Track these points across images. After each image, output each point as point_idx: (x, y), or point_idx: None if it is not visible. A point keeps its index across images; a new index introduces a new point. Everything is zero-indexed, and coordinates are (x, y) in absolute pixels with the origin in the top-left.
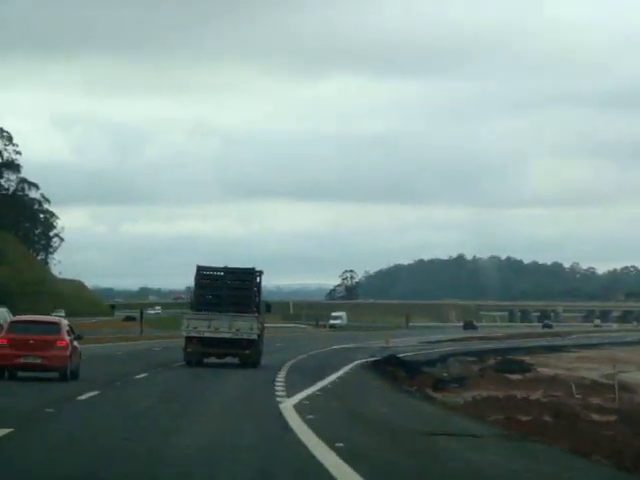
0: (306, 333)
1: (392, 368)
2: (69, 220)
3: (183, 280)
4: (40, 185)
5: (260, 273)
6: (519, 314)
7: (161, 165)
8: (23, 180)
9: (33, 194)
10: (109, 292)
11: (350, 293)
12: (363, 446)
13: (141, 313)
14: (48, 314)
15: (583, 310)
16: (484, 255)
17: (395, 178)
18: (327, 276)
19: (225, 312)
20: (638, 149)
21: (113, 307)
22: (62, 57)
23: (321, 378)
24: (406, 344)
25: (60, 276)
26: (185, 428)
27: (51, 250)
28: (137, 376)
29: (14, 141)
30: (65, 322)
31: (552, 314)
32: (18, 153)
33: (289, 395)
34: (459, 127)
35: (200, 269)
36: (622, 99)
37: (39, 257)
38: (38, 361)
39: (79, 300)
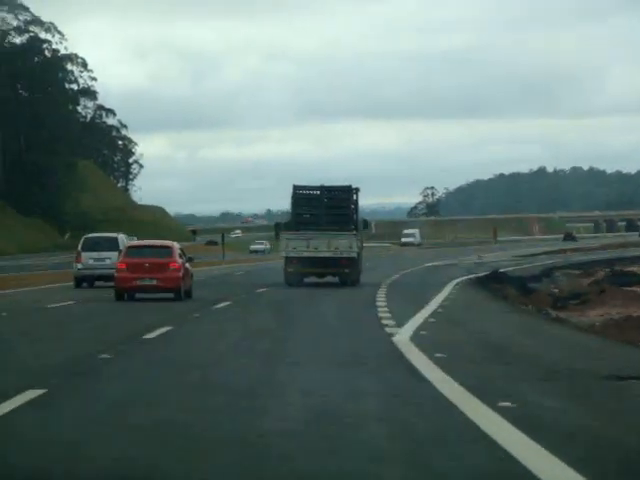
0: (392, 252)
1: (499, 285)
2: (149, 147)
3: (263, 203)
4: (118, 113)
5: (357, 190)
6: (604, 224)
7: (237, 89)
8: (100, 107)
9: (110, 121)
10: (191, 218)
11: (431, 210)
12: (538, 405)
13: (222, 237)
14: None
15: None
16: (566, 167)
17: (472, 92)
18: (405, 195)
19: (323, 231)
20: None
21: (194, 232)
22: None
23: (426, 300)
24: (500, 259)
25: (141, 202)
26: (278, 384)
27: (131, 177)
28: (217, 306)
29: (89, 67)
30: (177, 245)
31: (639, 223)
32: (94, 79)
33: (398, 323)
34: (536, 38)
35: (296, 188)
36: None
37: (119, 184)
38: (153, 283)
39: (161, 226)
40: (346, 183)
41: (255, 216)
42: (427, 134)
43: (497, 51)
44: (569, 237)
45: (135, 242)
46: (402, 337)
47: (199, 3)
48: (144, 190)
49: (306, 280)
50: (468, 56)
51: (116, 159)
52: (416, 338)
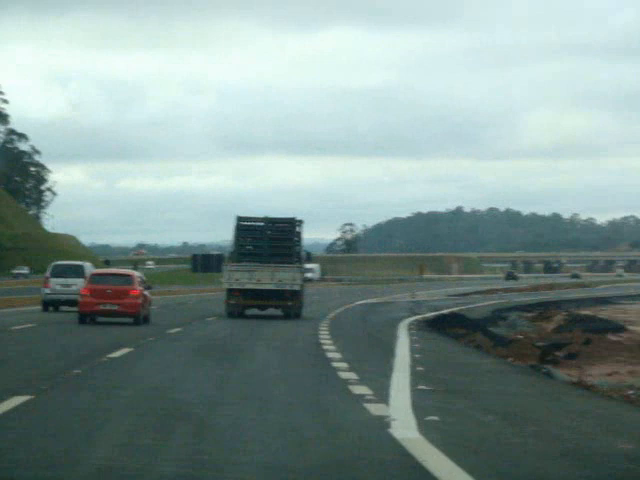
0: (316, 288)
1: (461, 330)
2: (66, 176)
3: (180, 236)
4: (34, 140)
5: (300, 222)
6: (522, 265)
7: (158, 121)
8: (11, 131)
9: (23, 146)
10: (105, 249)
11: (350, 246)
12: None
13: (135, 269)
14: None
15: (587, 260)
16: (482, 207)
17: (392, 131)
18: (323, 231)
19: (267, 263)
20: (633, 99)
21: (107, 262)
22: (56, 11)
23: (389, 351)
24: (434, 298)
25: (53, 231)
26: None
27: (43, 204)
28: (117, 353)
29: (0, 89)
30: (137, 274)
31: (556, 265)
32: (5, 102)
33: (378, 394)
34: (456, 79)
35: (240, 219)
36: (616, 49)
37: (30, 212)
38: (115, 308)
39: (72, 255)
40: (289, 215)
41: (169, 249)
42: (347, 171)
43: (418, 92)
44: (510, 276)
45: (99, 270)
46: (405, 428)
47: (121, 35)
48: (58, 219)
49: (246, 312)
50: (389, 95)
51: (28, 186)
52: (428, 431)
